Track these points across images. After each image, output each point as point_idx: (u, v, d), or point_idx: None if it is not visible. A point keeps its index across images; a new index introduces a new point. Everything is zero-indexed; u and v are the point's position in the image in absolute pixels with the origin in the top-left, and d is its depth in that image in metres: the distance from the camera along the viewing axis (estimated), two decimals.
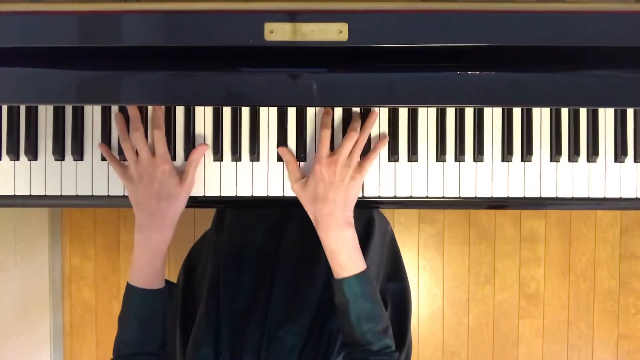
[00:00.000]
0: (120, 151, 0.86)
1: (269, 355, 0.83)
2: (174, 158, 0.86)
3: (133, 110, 0.83)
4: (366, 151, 0.85)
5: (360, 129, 0.83)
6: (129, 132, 0.84)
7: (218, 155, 0.86)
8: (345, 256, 0.79)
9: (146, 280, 0.81)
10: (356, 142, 0.81)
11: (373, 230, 1.01)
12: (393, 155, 0.87)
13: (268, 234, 0.95)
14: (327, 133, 0.81)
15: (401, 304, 1.04)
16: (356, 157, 0.81)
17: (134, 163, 0.81)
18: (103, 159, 0.87)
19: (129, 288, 0.81)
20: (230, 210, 1.03)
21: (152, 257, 0.80)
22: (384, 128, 0.87)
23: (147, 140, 0.82)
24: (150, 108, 0.85)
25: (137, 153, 0.82)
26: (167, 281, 0.85)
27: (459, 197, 0.88)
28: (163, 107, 0.85)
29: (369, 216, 1.03)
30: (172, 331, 0.98)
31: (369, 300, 0.78)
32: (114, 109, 0.87)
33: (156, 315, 0.82)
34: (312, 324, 0.86)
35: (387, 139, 0.85)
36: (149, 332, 0.81)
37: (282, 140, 0.86)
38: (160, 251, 0.81)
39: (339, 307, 0.79)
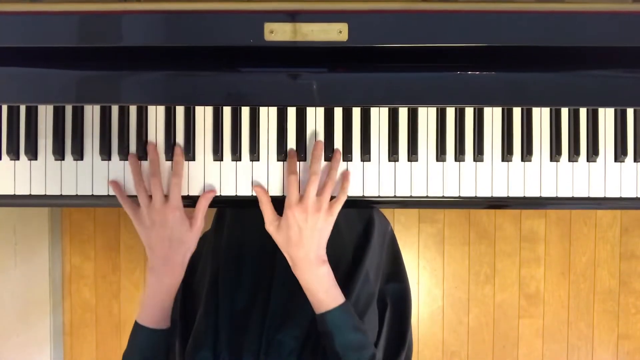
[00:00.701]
0: (120, 152, 0.86)
1: (268, 358, 0.83)
2: (173, 155, 0.86)
3: (152, 153, 0.85)
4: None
5: (329, 171, 0.84)
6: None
7: (218, 155, 0.86)
8: (322, 293, 0.81)
9: (155, 320, 0.83)
10: (325, 185, 0.83)
11: (373, 231, 1.01)
12: (393, 155, 0.87)
13: (267, 234, 0.95)
14: (294, 178, 0.82)
15: (401, 304, 1.04)
16: (326, 199, 0.82)
17: (147, 207, 0.82)
18: (103, 159, 0.87)
19: (137, 326, 0.83)
20: (230, 210, 1.04)
21: (163, 298, 0.83)
22: (384, 128, 0.87)
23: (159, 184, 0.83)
24: (159, 145, 0.87)
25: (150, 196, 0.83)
26: (173, 321, 0.87)
27: (459, 197, 0.88)
28: (183, 154, 0.86)
29: (368, 216, 1.03)
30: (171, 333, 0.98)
31: (352, 331, 0.80)
32: (114, 108, 0.87)
33: (160, 354, 0.83)
34: (311, 326, 0.86)
35: (349, 174, 0.86)
36: None
37: (281, 141, 0.86)
38: (171, 293, 0.84)
39: (325, 340, 0.81)
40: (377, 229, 1.03)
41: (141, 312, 0.83)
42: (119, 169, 0.87)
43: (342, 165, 0.87)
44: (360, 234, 1.01)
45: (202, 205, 0.85)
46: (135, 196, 0.84)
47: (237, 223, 1.01)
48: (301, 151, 0.86)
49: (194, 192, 0.87)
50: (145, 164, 0.86)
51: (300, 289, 0.83)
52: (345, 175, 0.86)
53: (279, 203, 0.88)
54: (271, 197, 0.86)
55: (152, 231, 0.82)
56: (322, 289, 0.81)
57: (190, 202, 0.86)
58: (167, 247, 0.81)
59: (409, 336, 1.03)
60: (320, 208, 0.81)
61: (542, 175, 0.88)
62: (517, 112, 0.88)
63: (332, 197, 0.84)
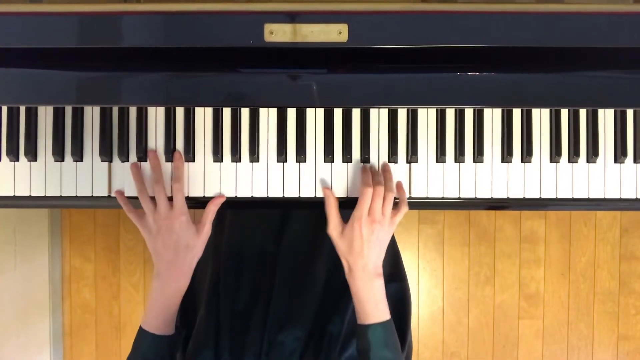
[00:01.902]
0: (120, 153, 0.86)
1: (269, 358, 0.83)
2: (173, 160, 0.86)
3: (153, 160, 0.85)
4: None
5: (386, 182, 0.84)
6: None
7: (218, 156, 0.86)
8: (372, 305, 0.81)
9: (159, 326, 0.82)
10: (387, 198, 0.82)
11: None
12: (393, 156, 0.87)
13: (267, 235, 0.95)
14: (370, 192, 0.81)
15: (401, 305, 1.04)
16: (388, 213, 0.82)
17: (152, 214, 0.82)
18: (103, 160, 0.87)
19: (141, 332, 0.83)
20: (230, 211, 1.04)
21: (167, 304, 0.82)
22: (384, 129, 0.87)
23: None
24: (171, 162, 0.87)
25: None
26: (177, 328, 0.86)
27: (459, 198, 0.88)
28: (183, 158, 0.86)
29: None
30: None
31: (390, 349, 0.80)
32: (114, 109, 0.87)
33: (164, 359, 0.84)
34: (313, 326, 0.86)
35: (402, 184, 0.87)
36: None
37: (281, 142, 0.86)
38: (176, 299, 0.83)
39: (361, 351, 0.81)
40: None
41: (146, 318, 0.83)
42: (119, 170, 0.87)
43: (342, 167, 0.87)
44: None
45: (211, 211, 0.85)
46: (137, 197, 0.84)
47: (238, 224, 1.01)
48: (301, 152, 0.86)
49: (193, 193, 0.87)
50: (144, 166, 0.86)
51: (302, 290, 0.83)
52: (400, 185, 0.87)
53: (278, 205, 0.88)
54: (271, 198, 0.86)
55: (158, 237, 0.82)
56: (373, 301, 0.81)
57: (190, 203, 0.86)
58: (173, 253, 0.81)
59: (408, 336, 1.03)
60: (384, 221, 0.82)
61: (542, 176, 0.88)
62: (517, 113, 0.88)
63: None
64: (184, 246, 0.82)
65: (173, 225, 0.81)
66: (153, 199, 0.83)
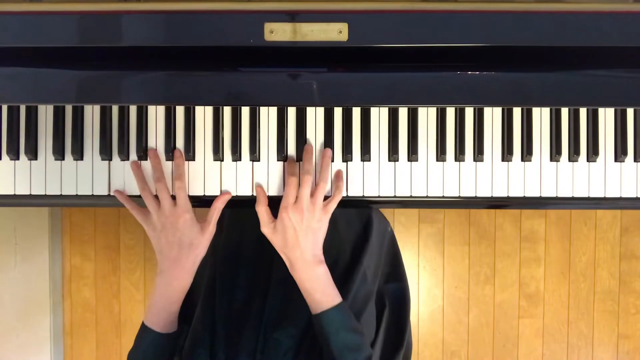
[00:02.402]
0: (120, 152, 0.86)
1: (264, 357, 0.83)
2: (174, 159, 0.86)
3: (154, 159, 0.85)
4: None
5: (320, 170, 0.84)
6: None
7: (218, 155, 0.86)
8: (319, 293, 0.81)
9: (161, 323, 0.83)
10: (318, 185, 0.83)
11: (371, 231, 1.01)
12: (393, 155, 0.87)
13: (264, 234, 0.95)
14: (294, 181, 0.82)
15: (400, 304, 1.05)
16: (319, 199, 0.82)
17: (156, 212, 0.82)
18: (103, 159, 0.87)
19: (144, 328, 0.83)
20: (228, 210, 1.03)
21: (170, 301, 0.83)
22: (384, 128, 0.87)
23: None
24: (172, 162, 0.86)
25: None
26: (180, 324, 0.87)
27: (459, 197, 0.88)
28: (183, 156, 0.86)
29: (367, 216, 1.03)
30: None
31: (348, 331, 0.80)
32: (114, 108, 0.87)
33: (164, 356, 0.84)
34: (308, 325, 0.87)
35: (341, 173, 0.87)
36: None
37: (281, 141, 0.87)
38: (179, 297, 0.83)
39: (321, 340, 0.81)
40: (376, 229, 1.03)
41: (148, 314, 0.83)
42: (119, 169, 0.87)
43: (342, 165, 0.87)
44: (359, 234, 1.01)
45: (217, 209, 0.85)
46: (139, 196, 0.84)
47: (235, 223, 1.01)
48: (301, 151, 0.86)
49: (194, 192, 0.87)
50: (145, 165, 0.86)
51: (298, 289, 0.83)
52: (338, 174, 0.87)
53: (279, 202, 0.88)
54: (271, 197, 0.86)
55: (162, 235, 0.82)
56: (319, 289, 0.82)
57: (191, 202, 0.86)
58: (176, 251, 0.81)
59: (407, 336, 1.03)
60: (314, 208, 0.82)
61: (542, 175, 0.88)
62: (517, 112, 0.88)
63: (326, 197, 0.84)
64: (188, 244, 0.82)
65: (177, 223, 0.81)
66: (156, 197, 0.83)
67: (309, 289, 0.81)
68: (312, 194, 0.82)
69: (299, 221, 0.80)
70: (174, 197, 0.83)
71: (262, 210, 0.83)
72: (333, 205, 0.84)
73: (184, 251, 0.81)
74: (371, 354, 0.82)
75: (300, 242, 0.81)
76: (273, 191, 0.87)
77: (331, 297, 0.82)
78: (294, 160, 0.86)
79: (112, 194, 0.86)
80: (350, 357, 0.79)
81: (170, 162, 0.87)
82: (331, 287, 0.83)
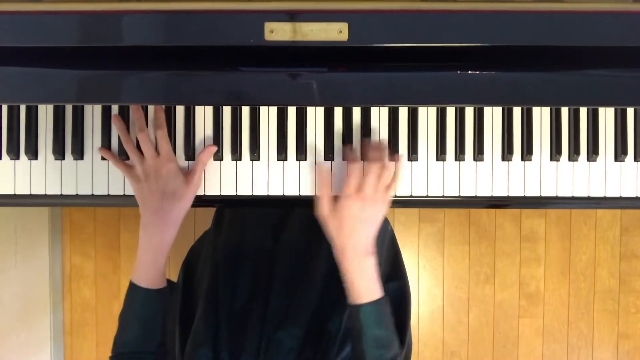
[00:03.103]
0: (121, 152, 0.86)
1: (267, 356, 0.83)
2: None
3: (137, 112, 0.84)
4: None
5: (382, 161, 0.83)
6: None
7: (218, 154, 0.86)
8: (364, 284, 0.80)
9: (149, 279, 0.81)
10: (381, 176, 0.81)
11: None
12: (393, 154, 0.87)
13: (266, 233, 0.95)
14: (358, 168, 0.81)
15: (400, 304, 1.04)
16: (382, 190, 0.81)
17: (140, 162, 0.82)
18: (103, 158, 0.87)
19: (132, 286, 0.82)
20: (229, 210, 1.03)
21: (154, 255, 0.81)
22: (384, 128, 0.87)
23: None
24: (150, 108, 0.86)
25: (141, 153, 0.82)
26: (168, 281, 0.85)
27: (459, 196, 0.88)
28: (163, 107, 0.85)
29: None
30: (171, 332, 0.98)
31: (382, 328, 0.79)
32: (114, 108, 0.87)
33: (156, 315, 0.82)
34: (311, 324, 0.86)
35: (402, 159, 0.86)
36: (148, 332, 0.81)
37: (281, 140, 0.87)
38: (163, 250, 0.82)
39: (353, 331, 0.80)
40: None
41: (135, 271, 0.82)
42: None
43: (342, 165, 0.87)
44: None
45: (201, 161, 0.84)
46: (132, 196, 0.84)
47: (237, 222, 1.01)
48: (301, 151, 0.86)
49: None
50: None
51: (300, 288, 0.83)
52: (398, 161, 0.85)
53: (278, 203, 0.88)
54: (271, 196, 0.86)
55: (145, 184, 0.81)
56: (364, 279, 0.80)
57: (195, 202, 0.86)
58: (159, 199, 0.80)
59: (407, 335, 1.03)
60: (377, 198, 0.80)
61: (542, 175, 0.88)
62: (517, 111, 0.88)
63: None
64: (171, 193, 0.80)
65: (161, 171, 0.80)
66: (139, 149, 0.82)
67: (354, 279, 0.80)
68: (376, 183, 0.81)
69: (359, 210, 0.79)
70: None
71: (324, 191, 0.82)
72: (392, 192, 0.83)
73: (166, 200, 0.80)
74: (398, 354, 0.81)
75: (357, 230, 0.79)
76: (273, 191, 0.87)
77: (374, 290, 0.80)
78: (352, 147, 0.85)
79: (99, 152, 0.86)
80: (378, 353, 0.78)
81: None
82: (376, 280, 0.81)
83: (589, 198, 0.88)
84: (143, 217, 0.81)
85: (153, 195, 0.80)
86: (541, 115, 0.88)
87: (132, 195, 0.85)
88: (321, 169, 0.84)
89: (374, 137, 0.87)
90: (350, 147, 0.86)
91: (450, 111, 0.87)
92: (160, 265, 0.82)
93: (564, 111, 0.88)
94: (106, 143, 0.87)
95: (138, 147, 0.83)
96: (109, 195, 0.87)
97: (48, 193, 0.87)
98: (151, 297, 0.81)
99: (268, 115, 0.87)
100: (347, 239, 0.79)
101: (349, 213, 0.79)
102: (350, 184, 0.80)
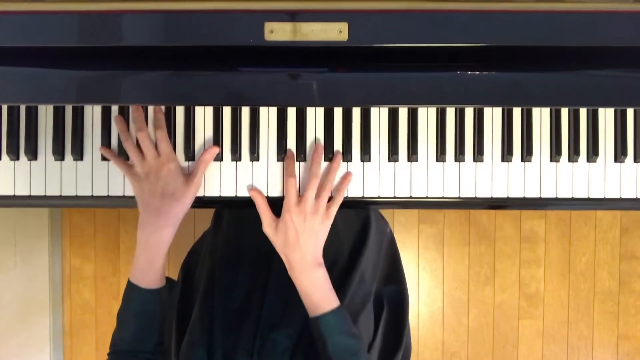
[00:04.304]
0: (121, 151, 0.86)
1: (261, 357, 0.83)
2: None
3: (136, 111, 0.84)
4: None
5: (327, 173, 0.84)
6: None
7: (218, 155, 0.86)
8: (318, 295, 0.81)
9: (146, 279, 0.81)
10: (323, 187, 0.83)
11: (369, 231, 1.01)
12: (393, 155, 0.87)
13: (263, 234, 0.95)
14: (293, 181, 0.82)
15: (398, 306, 1.04)
16: (323, 202, 0.82)
17: (140, 162, 0.82)
18: (103, 159, 0.87)
19: (130, 285, 0.82)
20: (228, 210, 1.03)
21: (152, 256, 0.81)
22: (384, 128, 0.87)
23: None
24: (150, 109, 0.86)
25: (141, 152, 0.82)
26: (167, 279, 0.85)
27: (459, 198, 0.88)
28: (163, 108, 0.85)
29: (366, 217, 1.03)
30: (169, 331, 0.98)
31: (345, 335, 0.80)
32: (114, 108, 0.87)
33: (154, 314, 0.82)
34: (305, 326, 0.86)
35: (350, 176, 0.86)
36: (146, 331, 0.81)
37: (281, 141, 0.86)
38: (161, 251, 0.81)
39: (318, 343, 0.80)
40: (375, 230, 1.03)
41: (133, 271, 0.82)
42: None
43: (342, 166, 0.87)
44: (358, 235, 1.01)
45: (203, 161, 0.84)
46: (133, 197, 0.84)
47: (235, 223, 1.01)
48: (301, 152, 0.86)
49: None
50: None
51: (295, 289, 0.83)
52: (344, 177, 0.86)
53: (279, 203, 0.88)
54: (271, 197, 0.86)
55: (145, 184, 0.80)
56: (317, 292, 0.81)
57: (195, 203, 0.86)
58: (158, 200, 0.80)
59: (405, 337, 1.03)
60: (317, 211, 0.81)
61: (542, 176, 0.88)
62: (517, 112, 0.88)
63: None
64: (170, 194, 0.80)
65: (160, 172, 0.80)
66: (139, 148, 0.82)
67: (307, 291, 0.81)
68: (317, 196, 0.82)
69: (301, 223, 0.80)
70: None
71: (264, 211, 0.83)
72: (335, 208, 0.84)
73: (165, 200, 0.80)
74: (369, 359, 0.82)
75: (301, 244, 0.80)
76: (273, 192, 0.87)
77: (329, 300, 0.81)
78: (293, 159, 0.86)
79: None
80: None
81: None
82: (329, 290, 0.82)
83: (588, 199, 0.88)
84: (142, 217, 0.81)
85: (153, 195, 0.80)
86: (541, 116, 0.88)
87: (132, 197, 0.85)
88: (253, 194, 0.84)
89: (374, 137, 0.87)
90: (291, 158, 0.86)
91: (450, 112, 0.87)
92: (157, 266, 0.82)
93: (564, 112, 0.88)
94: (106, 143, 0.86)
95: (138, 146, 0.83)
96: (108, 196, 0.87)
97: (48, 194, 0.87)
98: (148, 297, 0.81)
99: (268, 115, 0.87)
100: (294, 252, 0.80)
101: (291, 225, 0.80)
102: (288, 197, 0.81)
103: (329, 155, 0.87)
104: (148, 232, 0.80)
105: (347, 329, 0.81)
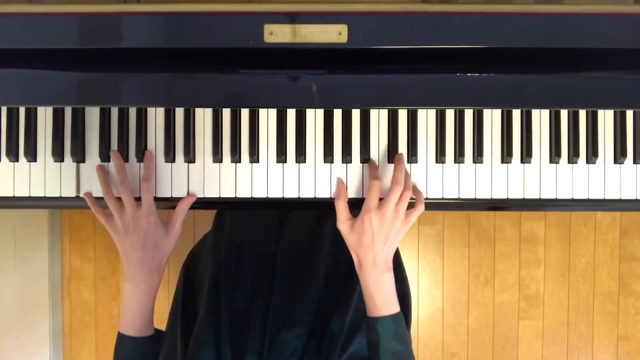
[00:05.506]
0: (121, 153, 0.86)
1: (271, 356, 0.83)
2: (173, 160, 0.86)
3: (117, 160, 0.84)
4: None
5: (405, 180, 0.84)
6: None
7: (218, 156, 0.86)
8: (382, 298, 0.81)
9: (136, 328, 0.82)
10: (402, 196, 0.82)
11: None
12: (392, 156, 0.87)
13: (267, 234, 0.95)
14: (377, 184, 0.81)
15: (401, 306, 1.04)
16: (404, 208, 0.82)
17: (120, 214, 0.82)
18: (103, 159, 0.87)
19: (120, 337, 0.82)
20: (230, 210, 1.03)
21: (141, 305, 0.82)
22: (384, 129, 0.87)
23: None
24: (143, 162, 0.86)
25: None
26: (157, 330, 0.86)
27: (459, 199, 0.88)
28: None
29: None
30: (173, 333, 0.98)
31: (399, 341, 0.80)
32: (114, 110, 0.87)
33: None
34: (313, 324, 0.86)
35: (418, 187, 0.87)
36: None
37: (281, 142, 0.86)
38: (149, 299, 0.83)
39: (370, 343, 0.81)
40: None
41: (122, 322, 0.83)
42: None
43: (342, 167, 0.87)
44: None
45: (181, 210, 0.85)
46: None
47: (237, 222, 1.01)
48: (301, 152, 0.86)
49: (193, 194, 0.87)
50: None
51: (302, 288, 0.83)
52: (415, 187, 0.87)
53: (278, 205, 0.88)
54: (271, 198, 0.86)
55: (127, 238, 0.81)
56: (382, 294, 0.81)
57: (192, 204, 0.86)
58: (141, 252, 0.81)
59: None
60: (397, 217, 0.81)
61: (541, 177, 0.88)
62: (516, 113, 0.88)
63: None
64: (152, 246, 0.81)
65: (140, 225, 0.81)
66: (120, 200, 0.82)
67: (372, 292, 0.81)
68: (397, 202, 0.82)
69: (379, 227, 0.80)
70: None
71: (342, 206, 0.83)
72: (415, 216, 0.84)
73: (148, 252, 0.81)
74: None
75: (376, 247, 0.80)
76: (273, 193, 0.87)
77: (391, 304, 0.81)
78: (375, 163, 0.86)
79: (81, 195, 0.86)
80: None
81: (169, 164, 0.87)
82: (393, 295, 0.82)
83: (588, 200, 0.88)
84: (127, 269, 0.82)
85: (134, 248, 0.81)
86: (540, 118, 0.88)
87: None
88: (340, 185, 0.85)
89: (374, 139, 0.87)
90: (373, 164, 0.86)
91: (450, 113, 0.87)
92: (146, 315, 0.83)
93: (564, 113, 0.88)
94: (105, 146, 0.86)
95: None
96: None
97: (47, 195, 0.87)
98: (140, 346, 0.82)
99: (267, 117, 0.87)
100: (366, 253, 0.80)
101: (368, 227, 0.80)
102: (369, 199, 0.81)
103: (329, 156, 0.87)
104: (135, 284, 0.81)
105: (402, 334, 0.81)
